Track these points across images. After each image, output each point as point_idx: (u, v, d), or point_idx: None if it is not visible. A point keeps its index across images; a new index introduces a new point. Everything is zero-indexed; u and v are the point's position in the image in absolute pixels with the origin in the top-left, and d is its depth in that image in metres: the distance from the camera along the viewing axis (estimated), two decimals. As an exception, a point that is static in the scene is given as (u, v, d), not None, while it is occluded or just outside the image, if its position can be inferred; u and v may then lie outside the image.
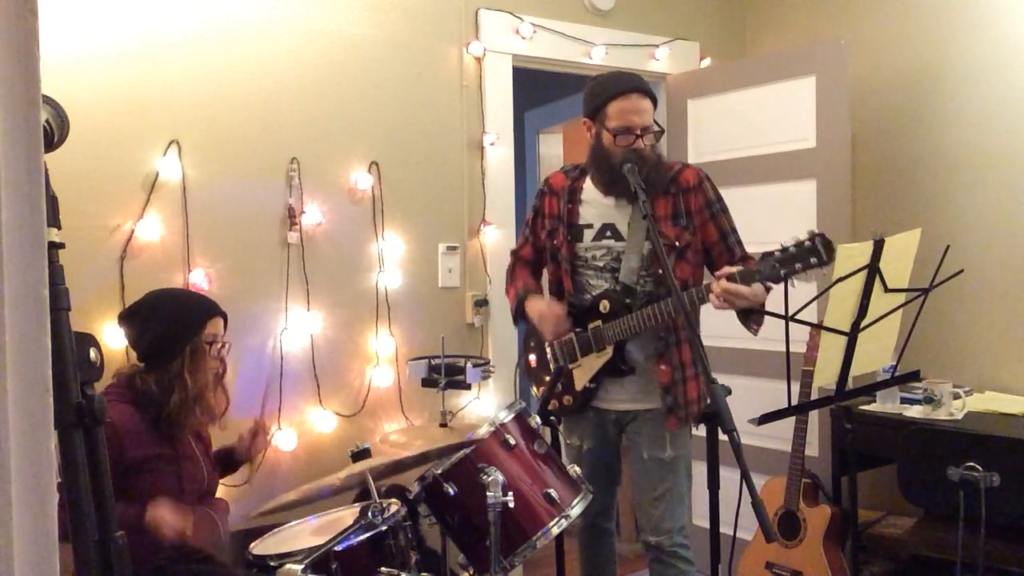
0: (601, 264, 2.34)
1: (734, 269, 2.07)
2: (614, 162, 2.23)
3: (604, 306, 2.28)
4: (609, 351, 2.27)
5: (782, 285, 1.98)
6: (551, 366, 2.41)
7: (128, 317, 2.17)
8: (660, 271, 2.24)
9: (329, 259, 2.90)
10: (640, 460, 2.34)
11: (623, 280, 2.28)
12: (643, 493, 2.34)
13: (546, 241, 2.44)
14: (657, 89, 2.94)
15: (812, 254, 1.97)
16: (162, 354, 2.12)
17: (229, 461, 2.41)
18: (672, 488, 2.30)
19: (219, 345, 2.23)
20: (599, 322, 2.28)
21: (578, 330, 2.33)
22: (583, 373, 2.34)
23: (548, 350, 2.42)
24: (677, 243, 2.27)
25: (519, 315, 2.46)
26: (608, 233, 2.33)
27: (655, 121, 2.28)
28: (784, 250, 2.00)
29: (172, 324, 2.14)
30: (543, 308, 2.35)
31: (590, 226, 2.36)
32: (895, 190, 3.27)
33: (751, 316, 2.19)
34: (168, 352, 2.12)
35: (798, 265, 1.98)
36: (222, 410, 2.30)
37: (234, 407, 2.68)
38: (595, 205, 2.36)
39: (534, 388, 2.54)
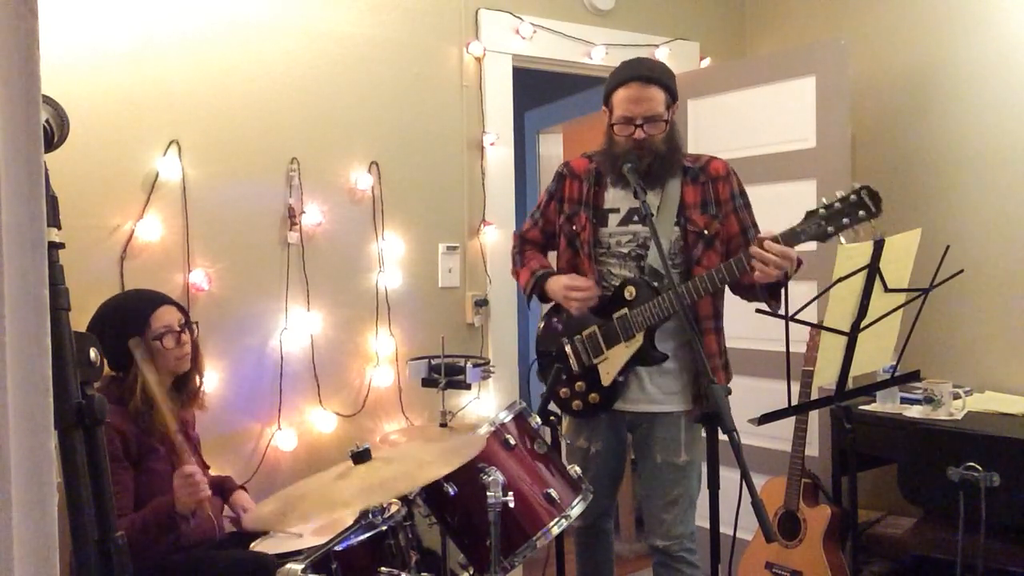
0: (626, 251, 2.27)
1: (774, 232, 1.99)
2: (616, 151, 2.21)
3: (630, 292, 2.21)
4: (639, 338, 2.20)
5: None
6: (574, 366, 2.29)
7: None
8: (686, 258, 2.22)
9: (329, 259, 2.89)
10: (652, 464, 2.29)
11: (650, 264, 2.22)
12: (654, 497, 2.29)
13: (563, 226, 2.35)
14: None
15: (860, 207, 1.91)
16: (120, 361, 2.10)
17: (221, 491, 2.39)
18: (684, 493, 2.26)
19: (176, 332, 2.16)
20: (625, 310, 2.21)
21: (600, 322, 2.25)
22: (611, 366, 2.25)
23: (568, 349, 2.30)
24: (706, 231, 2.23)
25: (535, 294, 2.39)
26: (635, 218, 2.25)
27: (666, 113, 2.19)
28: (828, 207, 1.94)
29: (117, 331, 2.10)
30: (566, 280, 2.26)
31: (616, 210, 2.28)
32: (895, 190, 3.27)
33: (775, 291, 2.10)
34: (124, 358, 2.08)
35: (845, 220, 1.92)
36: (195, 390, 2.28)
37: (234, 407, 2.69)
38: (623, 189, 2.26)
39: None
